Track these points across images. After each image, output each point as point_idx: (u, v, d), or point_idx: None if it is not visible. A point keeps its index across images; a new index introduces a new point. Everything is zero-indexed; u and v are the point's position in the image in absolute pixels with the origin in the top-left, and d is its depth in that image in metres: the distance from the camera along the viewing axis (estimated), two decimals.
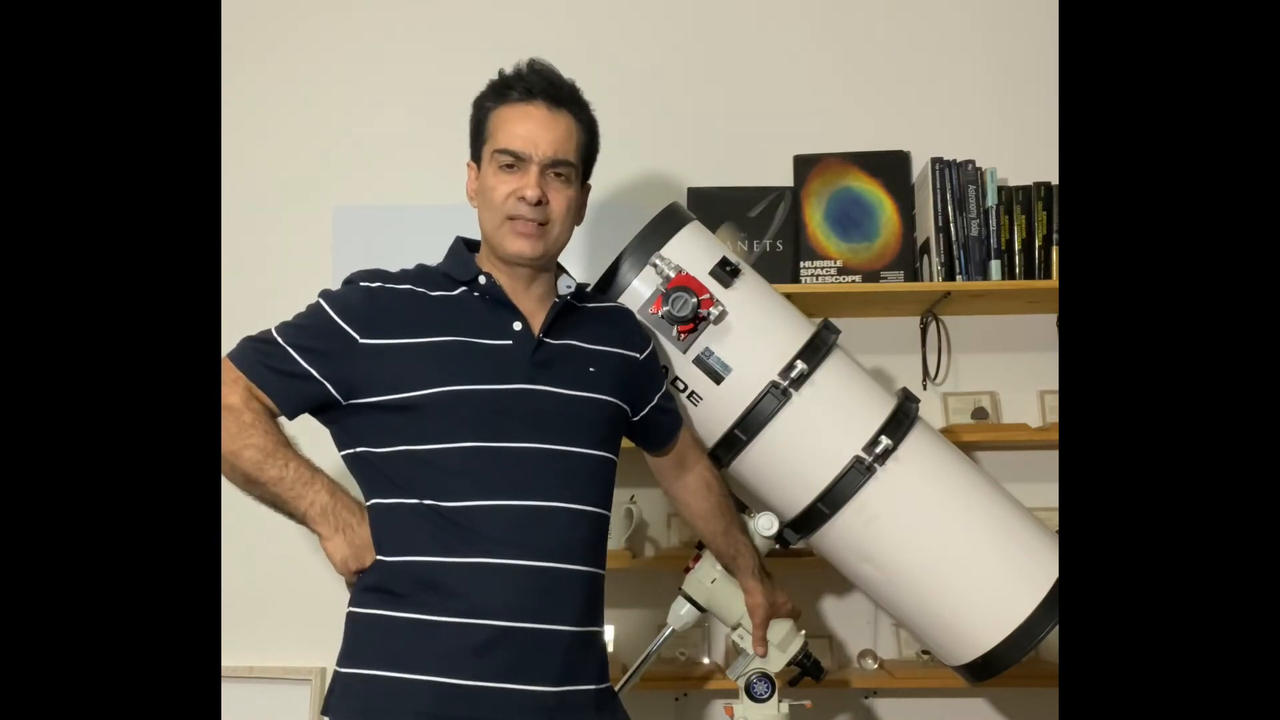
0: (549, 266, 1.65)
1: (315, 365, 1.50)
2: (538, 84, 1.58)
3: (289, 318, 1.56)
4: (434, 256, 1.66)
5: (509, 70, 1.61)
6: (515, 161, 1.56)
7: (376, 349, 1.51)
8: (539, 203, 1.55)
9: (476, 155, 1.64)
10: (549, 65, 1.61)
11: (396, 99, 2.57)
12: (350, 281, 1.59)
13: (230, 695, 2.22)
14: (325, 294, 1.57)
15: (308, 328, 1.53)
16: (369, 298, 1.55)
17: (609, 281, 1.79)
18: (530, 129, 1.56)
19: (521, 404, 1.52)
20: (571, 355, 1.59)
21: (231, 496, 1.46)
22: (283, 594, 2.44)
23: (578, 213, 1.65)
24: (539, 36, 2.51)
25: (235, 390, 1.48)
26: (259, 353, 1.51)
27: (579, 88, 1.63)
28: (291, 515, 1.51)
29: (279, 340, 1.51)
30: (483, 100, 1.63)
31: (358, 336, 1.51)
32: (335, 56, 2.60)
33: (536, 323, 1.58)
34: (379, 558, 1.50)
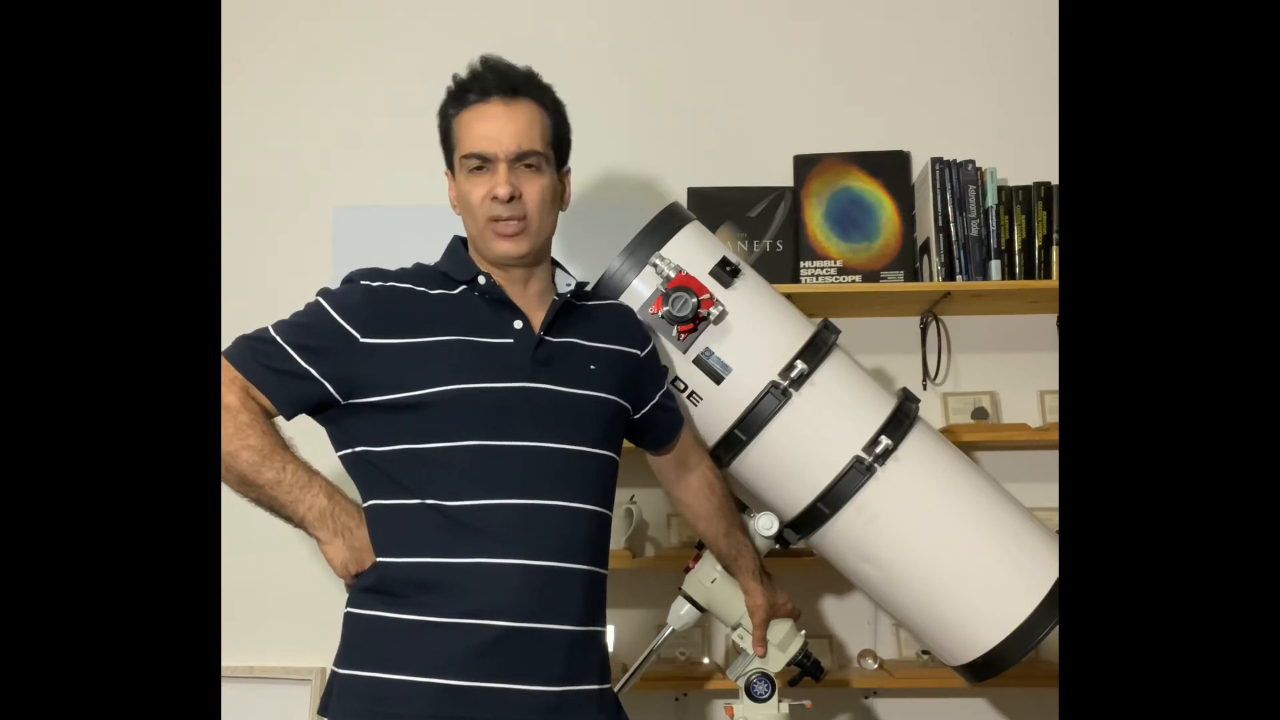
0: (541, 260, 1.65)
1: (315, 364, 1.49)
2: (491, 80, 1.58)
3: (285, 316, 1.55)
4: (434, 256, 1.66)
5: (464, 74, 1.60)
6: (482, 163, 1.56)
7: (378, 348, 1.50)
8: (512, 198, 1.55)
9: (450, 164, 1.64)
10: (499, 59, 1.60)
11: (396, 99, 2.57)
12: (350, 280, 1.59)
13: (230, 695, 2.23)
14: (324, 292, 1.56)
15: (307, 326, 1.52)
16: (370, 296, 1.55)
17: (609, 281, 1.79)
18: (490, 127, 1.56)
19: (524, 402, 1.51)
20: (573, 353, 1.59)
21: (231, 496, 1.46)
22: (283, 594, 2.44)
23: (559, 199, 1.65)
24: (539, 37, 2.52)
25: (232, 390, 1.47)
26: (256, 352, 1.50)
27: (535, 72, 1.62)
28: (288, 519, 1.49)
29: (277, 339, 1.50)
30: (444, 109, 1.63)
31: (359, 335, 1.50)
32: (335, 56, 2.60)
33: (536, 321, 1.58)
34: (378, 559, 1.49)
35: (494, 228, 1.56)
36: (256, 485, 1.46)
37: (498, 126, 1.56)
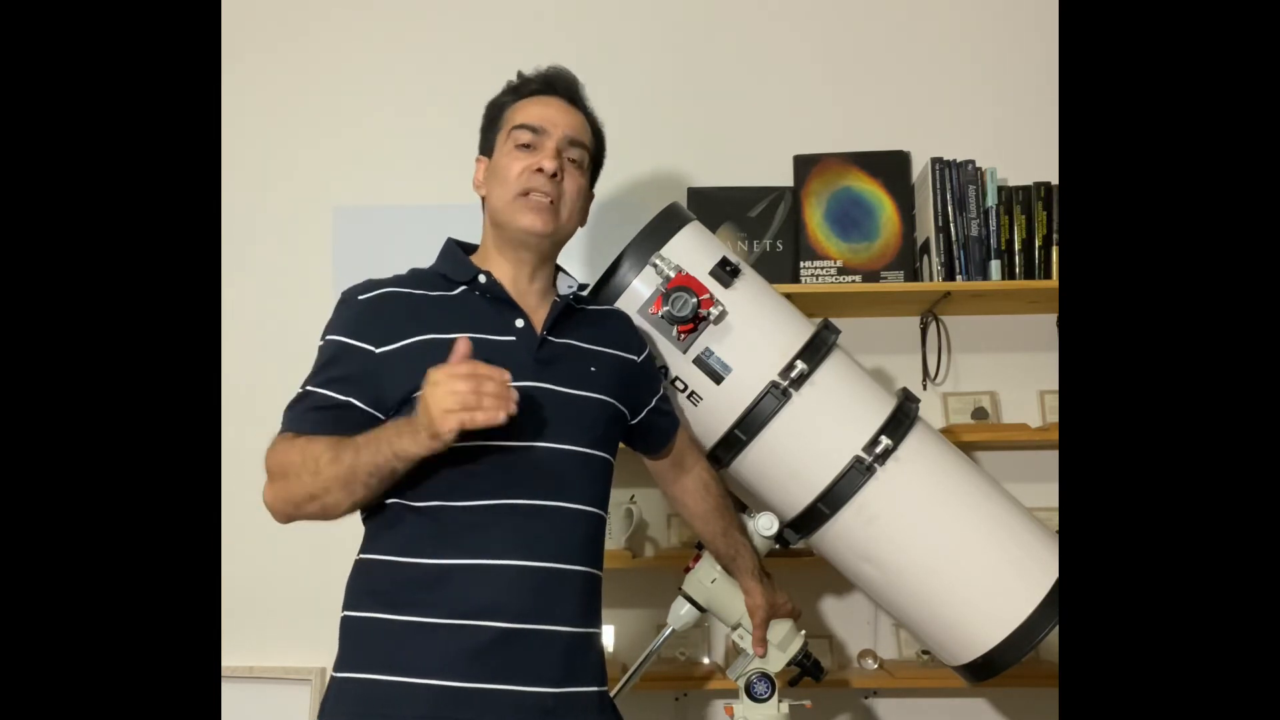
0: (552, 256, 1.65)
1: (350, 393, 1.49)
2: (559, 82, 1.66)
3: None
4: (434, 257, 1.66)
5: (528, 72, 1.67)
6: (533, 139, 1.60)
7: (390, 355, 1.50)
8: (554, 176, 1.57)
9: (488, 147, 1.66)
10: (569, 70, 1.69)
11: (397, 99, 2.57)
12: (345, 301, 1.57)
13: (230, 695, 2.23)
14: (327, 330, 1.55)
15: (328, 363, 1.52)
16: (370, 308, 1.54)
17: (609, 281, 1.79)
18: (549, 111, 1.63)
19: (525, 402, 1.50)
20: (573, 354, 1.59)
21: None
22: (283, 594, 2.44)
23: (583, 209, 1.67)
24: (540, 37, 2.52)
25: (292, 449, 1.44)
26: (296, 411, 1.50)
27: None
28: (394, 471, 1.40)
29: (310, 389, 1.51)
30: (498, 99, 1.68)
31: (374, 348, 1.50)
32: (336, 57, 2.60)
33: (538, 321, 1.58)
34: (375, 558, 1.49)
35: (526, 200, 1.58)
36: (356, 477, 1.41)
37: (556, 113, 1.63)
